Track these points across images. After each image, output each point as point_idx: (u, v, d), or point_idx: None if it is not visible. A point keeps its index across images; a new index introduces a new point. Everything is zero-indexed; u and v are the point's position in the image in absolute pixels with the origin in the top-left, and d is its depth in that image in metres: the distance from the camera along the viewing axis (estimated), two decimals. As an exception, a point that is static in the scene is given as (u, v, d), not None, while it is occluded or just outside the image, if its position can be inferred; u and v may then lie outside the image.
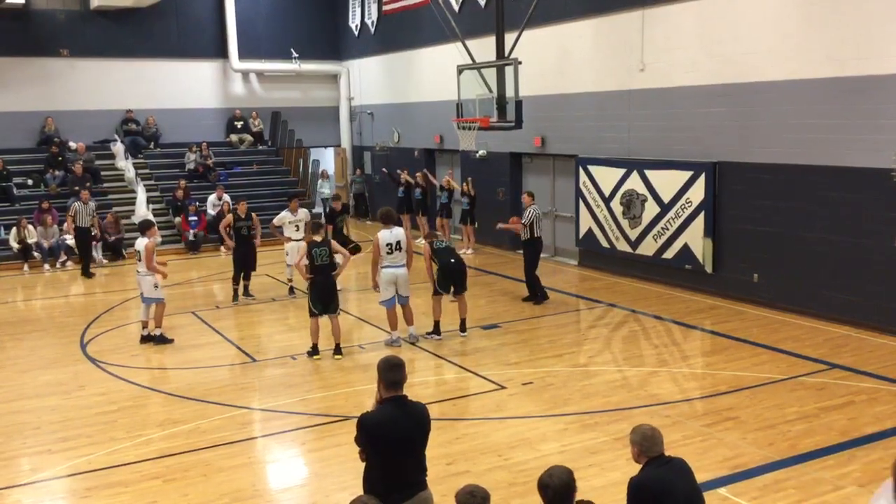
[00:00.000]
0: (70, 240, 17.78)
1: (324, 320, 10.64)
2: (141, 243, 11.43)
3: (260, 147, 23.91)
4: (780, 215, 12.15)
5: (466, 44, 15.61)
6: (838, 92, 11.16)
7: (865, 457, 7.15)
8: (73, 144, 21.15)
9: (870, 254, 10.99)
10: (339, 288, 13.61)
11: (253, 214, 14.13)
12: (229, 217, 14.20)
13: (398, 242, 10.84)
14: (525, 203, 13.72)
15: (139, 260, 11.45)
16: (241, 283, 14.10)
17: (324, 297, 10.55)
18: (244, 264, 13.99)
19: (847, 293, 11.34)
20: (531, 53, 15.30)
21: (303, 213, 14.53)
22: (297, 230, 14.35)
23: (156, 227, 12.11)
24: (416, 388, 8.91)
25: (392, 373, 4.77)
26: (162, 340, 11.51)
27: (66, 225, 17.89)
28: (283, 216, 14.39)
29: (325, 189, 24.95)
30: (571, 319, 12.73)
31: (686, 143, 13.59)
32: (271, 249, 16.97)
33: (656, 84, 14.04)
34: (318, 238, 10.74)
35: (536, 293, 13.46)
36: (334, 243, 11.02)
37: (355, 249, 13.76)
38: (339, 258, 11.07)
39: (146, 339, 11.57)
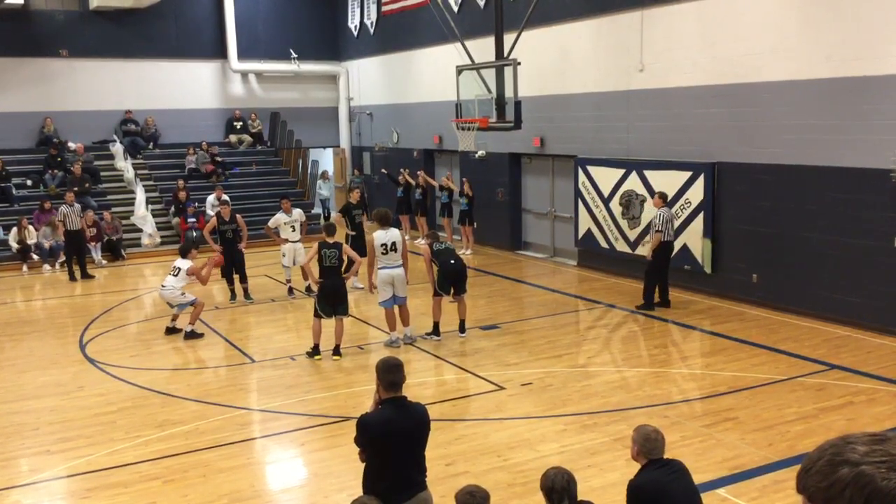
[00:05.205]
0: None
1: (327, 320, 10.62)
2: (184, 264, 11.80)
3: (259, 147, 23.91)
4: (780, 216, 12.15)
5: (465, 44, 15.62)
6: (838, 92, 11.16)
7: (864, 457, 7.14)
8: (72, 145, 21.14)
9: (870, 254, 10.99)
10: (360, 286, 13.64)
11: (238, 217, 14.10)
12: (213, 220, 14.17)
13: (393, 243, 10.81)
14: (655, 206, 12.79)
15: (174, 275, 11.74)
16: (238, 285, 14.08)
17: (331, 300, 10.52)
18: (231, 265, 13.95)
19: (846, 293, 11.34)
20: (530, 54, 15.31)
21: (297, 214, 14.52)
22: (294, 231, 14.34)
23: (195, 251, 12.56)
24: (415, 388, 8.91)
25: (391, 374, 4.78)
26: (192, 336, 11.73)
27: (58, 230, 17.82)
28: (278, 218, 14.39)
29: (324, 190, 24.99)
30: (570, 320, 12.72)
31: (685, 144, 13.60)
32: (269, 251, 16.98)
33: (655, 84, 14.04)
34: (329, 239, 10.73)
35: (651, 300, 12.59)
36: (346, 247, 10.96)
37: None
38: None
39: (172, 332, 11.95)
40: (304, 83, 24.70)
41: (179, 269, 11.78)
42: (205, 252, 17.11)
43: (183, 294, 11.76)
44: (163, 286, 11.92)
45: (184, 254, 12.16)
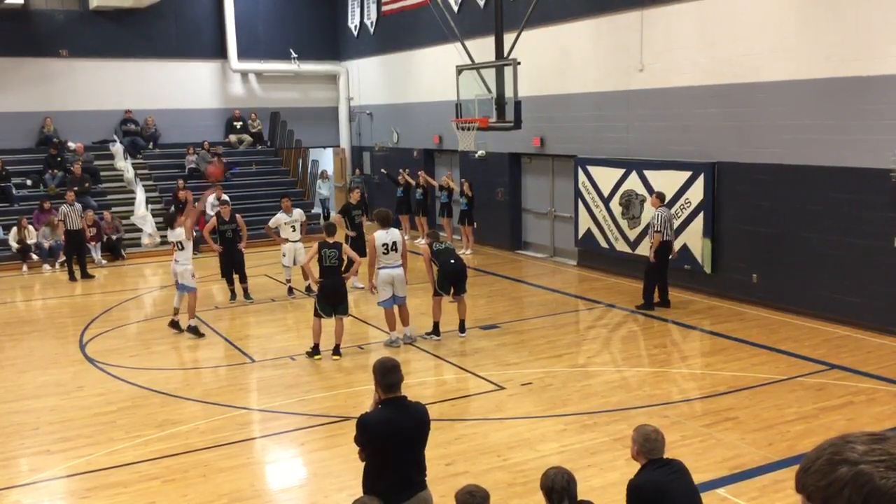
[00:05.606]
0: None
1: (327, 320, 10.62)
2: (179, 233, 11.76)
3: (259, 147, 23.91)
4: (780, 215, 12.15)
5: (465, 44, 15.63)
6: (837, 92, 11.16)
7: (864, 457, 7.14)
8: (72, 145, 21.14)
9: (869, 254, 10.99)
10: (360, 286, 13.66)
11: (238, 217, 14.11)
12: (213, 221, 14.18)
13: (394, 243, 10.83)
14: (653, 206, 12.78)
15: (180, 250, 11.76)
16: (238, 284, 14.08)
17: (331, 300, 10.52)
18: (231, 265, 13.97)
19: (846, 293, 11.34)
20: (530, 54, 15.31)
21: (297, 213, 14.52)
22: (294, 231, 14.33)
23: (181, 218, 12.45)
24: (415, 388, 8.91)
25: (388, 376, 4.78)
26: (194, 332, 11.76)
27: (58, 230, 17.81)
28: (279, 218, 14.38)
29: (324, 190, 24.98)
30: (570, 320, 12.72)
31: (685, 144, 13.60)
32: (269, 250, 16.97)
33: (655, 84, 14.04)
34: (329, 239, 10.73)
35: (651, 300, 12.62)
36: (346, 247, 10.97)
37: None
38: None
39: (174, 325, 11.96)
40: (304, 83, 24.70)
41: (180, 241, 11.78)
42: (205, 252, 17.15)
43: (193, 276, 11.80)
44: (176, 261, 11.90)
45: (171, 225, 12.12)
